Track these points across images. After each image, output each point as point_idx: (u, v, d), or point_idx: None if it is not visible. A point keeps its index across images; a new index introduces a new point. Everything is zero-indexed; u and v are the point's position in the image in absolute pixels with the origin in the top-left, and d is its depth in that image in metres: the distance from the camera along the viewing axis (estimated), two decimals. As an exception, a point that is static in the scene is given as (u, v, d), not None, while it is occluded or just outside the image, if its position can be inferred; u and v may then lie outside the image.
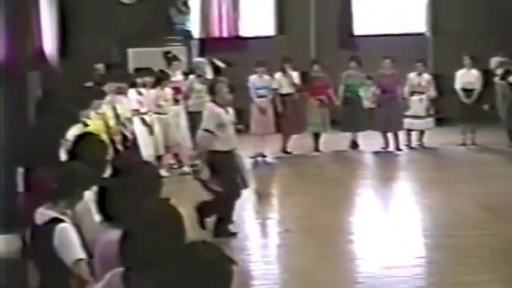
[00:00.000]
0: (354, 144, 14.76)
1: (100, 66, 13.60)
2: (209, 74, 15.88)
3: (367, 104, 14.83)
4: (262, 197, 11.64)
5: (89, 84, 12.72)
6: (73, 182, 4.54)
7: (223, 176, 8.79)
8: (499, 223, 9.54)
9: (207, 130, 8.90)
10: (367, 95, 14.95)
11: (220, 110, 8.97)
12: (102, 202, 4.31)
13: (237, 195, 9.09)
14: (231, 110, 9.27)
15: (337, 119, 14.68)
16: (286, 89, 14.37)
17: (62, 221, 4.44)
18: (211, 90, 9.29)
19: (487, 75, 15.36)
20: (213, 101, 9.10)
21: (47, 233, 4.40)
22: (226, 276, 3.07)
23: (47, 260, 4.40)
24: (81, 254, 4.33)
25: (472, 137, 14.90)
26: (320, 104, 14.54)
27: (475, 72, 14.88)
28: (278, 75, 14.38)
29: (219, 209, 9.07)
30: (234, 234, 9.12)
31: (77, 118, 8.01)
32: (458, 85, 14.93)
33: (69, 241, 4.34)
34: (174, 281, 3.03)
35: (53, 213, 4.45)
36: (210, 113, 9.03)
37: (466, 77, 14.89)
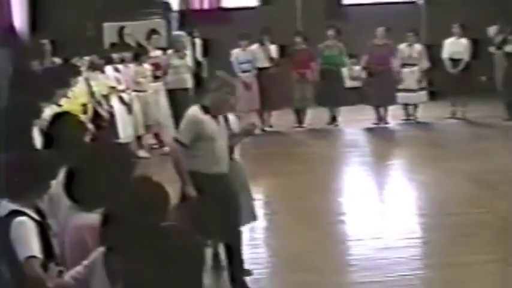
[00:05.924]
0: (333, 120, 14.73)
1: (45, 41, 13.24)
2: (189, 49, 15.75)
3: (349, 83, 14.81)
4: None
5: (36, 62, 12.50)
6: (37, 174, 4.35)
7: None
8: (497, 201, 9.58)
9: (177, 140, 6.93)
10: (351, 74, 14.91)
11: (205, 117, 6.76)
12: (69, 185, 4.26)
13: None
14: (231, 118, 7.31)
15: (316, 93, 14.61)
16: (263, 63, 14.26)
17: (22, 213, 4.30)
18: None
19: (480, 44, 15.32)
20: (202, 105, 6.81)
21: (5, 227, 4.27)
22: (198, 259, 3.12)
23: (4, 254, 4.30)
24: (32, 252, 4.19)
25: (462, 111, 14.87)
26: (300, 78, 14.47)
27: (464, 41, 14.80)
28: (255, 47, 14.25)
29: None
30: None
31: (51, 97, 7.92)
32: (445, 54, 14.85)
33: (22, 236, 4.20)
34: (145, 263, 3.08)
35: (12, 206, 4.33)
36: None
37: (454, 46, 14.81)
